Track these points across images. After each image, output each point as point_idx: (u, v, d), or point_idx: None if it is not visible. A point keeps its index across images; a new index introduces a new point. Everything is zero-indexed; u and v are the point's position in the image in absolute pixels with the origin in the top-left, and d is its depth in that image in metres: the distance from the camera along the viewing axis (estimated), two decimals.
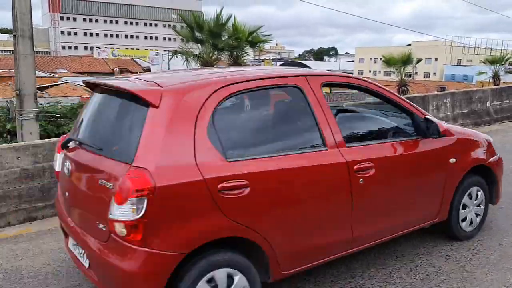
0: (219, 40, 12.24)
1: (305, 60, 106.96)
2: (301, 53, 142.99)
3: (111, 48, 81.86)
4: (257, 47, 14.14)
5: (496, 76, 24.41)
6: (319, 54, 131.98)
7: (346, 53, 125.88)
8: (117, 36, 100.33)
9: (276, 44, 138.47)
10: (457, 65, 61.04)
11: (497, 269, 3.41)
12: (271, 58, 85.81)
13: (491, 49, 58.79)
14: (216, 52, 12.62)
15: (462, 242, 3.86)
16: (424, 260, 3.56)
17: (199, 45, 12.72)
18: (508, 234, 4.08)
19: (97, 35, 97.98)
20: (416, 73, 67.66)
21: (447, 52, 63.71)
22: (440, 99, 8.73)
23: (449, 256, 3.62)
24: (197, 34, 12.23)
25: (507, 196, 4.95)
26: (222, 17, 12.00)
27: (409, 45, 73.33)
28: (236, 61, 13.11)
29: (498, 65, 24.35)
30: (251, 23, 13.03)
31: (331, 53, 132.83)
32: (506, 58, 25.40)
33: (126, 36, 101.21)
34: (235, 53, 12.99)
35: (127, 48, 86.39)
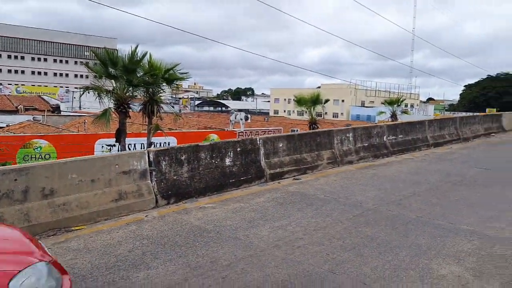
0: (134, 76, 12.14)
1: (223, 99, 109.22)
2: (219, 93, 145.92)
3: (15, 84, 76.27)
4: (174, 84, 14.25)
5: (394, 115, 27.60)
6: (237, 94, 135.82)
7: (262, 93, 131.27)
8: (22, 72, 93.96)
9: (195, 84, 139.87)
10: (361, 106, 66.77)
11: None
12: (189, 96, 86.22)
13: (389, 92, 66.27)
14: (130, 88, 12.47)
15: None
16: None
17: (112, 81, 12.49)
18: None
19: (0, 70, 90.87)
20: (326, 113, 72.46)
21: (352, 94, 69.69)
22: (344, 134, 9.52)
23: None
24: (111, 70, 12.01)
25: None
26: (137, 53, 11.98)
27: (319, 87, 78.85)
28: (152, 98, 13.05)
29: (395, 105, 27.86)
30: (169, 62, 13.07)
31: (248, 93, 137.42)
32: (401, 99, 29.17)
33: (33, 72, 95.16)
34: (150, 89, 12.95)
35: (34, 85, 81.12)
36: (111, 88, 12.51)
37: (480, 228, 5.28)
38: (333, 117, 68.98)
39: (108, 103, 12.56)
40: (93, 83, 12.56)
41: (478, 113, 23.82)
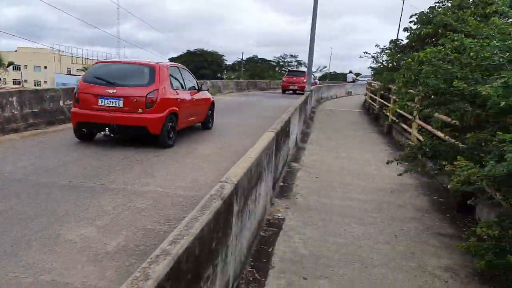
0: None
1: None
2: None
3: None
4: None
5: None
6: None
7: None
8: None
9: None
10: (68, 74, 61.78)
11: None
12: None
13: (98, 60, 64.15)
14: None
15: None
16: None
17: None
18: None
19: None
20: (25, 80, 63.46)
21: (56, 60, 63.42)
22: (5, 97, 8.05)
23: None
24: None
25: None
26: None
27: (16, 51, 67.93)
28: None
29: None
30: None
31: None
32: None
33: None
34: None
35: None
36: None
37: (129, 185, 5.35)
38: (36, 85, 61.09)
39: None
40: None
41: None
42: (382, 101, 14.42)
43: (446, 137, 5.17)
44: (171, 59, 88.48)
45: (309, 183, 6.28)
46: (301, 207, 5.17)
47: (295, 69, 41.69)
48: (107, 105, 7.42)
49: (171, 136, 7.91)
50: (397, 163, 5.66)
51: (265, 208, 4.54)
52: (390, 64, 17.85)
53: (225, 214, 2.45)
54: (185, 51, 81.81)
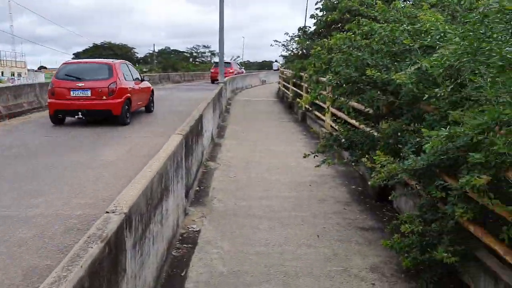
0: None
1: None
2: None
3: None
4: None
5: None
6: None
7: None
8: None
9: None
10: None
11: None
12: None
13: None
14: None
15: None
16: None
17: None
18: None
19: None
20: None
21: None
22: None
23: None
24: None
25: None
26: None
27: None
28: None
29: None
30: None
31: None
32: None
33: None
34: None
35: None
36: None
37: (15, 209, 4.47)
38: None
39: None
40: None
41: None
42: (295, 89, 14.48)
43: (361, 126, 5.07)
44: (76, 54, 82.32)
45: (226, 184, 5.86)
46: (219, 213, 4.73)
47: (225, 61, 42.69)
48: (78, 95, 9.85)
49: (127, 116, 10.43)
50: (314, 156, 5.46)
51: (177, 222, 4.02)
52: (300, 52, 18.11)
53: (111, 257, 1.91)
54: (91, 45, 76.69)
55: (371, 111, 4.86)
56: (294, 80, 14.07)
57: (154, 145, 7.32)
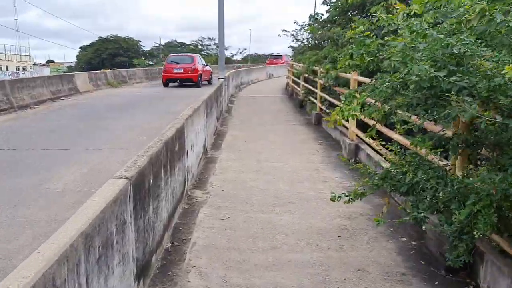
0: None
1: None
2: None
3: None
4: None
5: None
6: None
7: None
8: None
9: None
10: None
11: None
12: None
13: None
14: None
15: None
16: None
17: None
18: None
19: None
20: None
21: None
22: None
23: None
24: None
25: None
26: None
27: None
28: None
29: None
30: None
31: None
32: None
33: None
34: None
35: None
36: None
37: None
38: None
39: None
40: None
41: (42, 75, 22.33)
42: (306, 85, 12.49)
43: (431, 157, 3.12)
44: (82, 47, 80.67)
45: (214, 235, 3.96)
46: None
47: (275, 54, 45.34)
48: (176, 71, 19.08)
49: (200, 83, 19.15)
50: (349, 200, 3.55)
51: None
52: (311, 42, 16.07)
53: None
54: (97, 39, 75.15)
55: (450, 134, 2.93)
56: (306, 75, 12.08)
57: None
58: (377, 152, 5.52)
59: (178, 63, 19.21)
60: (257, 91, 21.23)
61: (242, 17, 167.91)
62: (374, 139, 4.06)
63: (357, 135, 6.91)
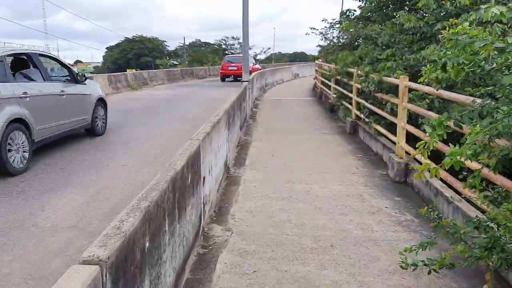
0: None
1: None
2: None
3: None
4: None
5: None
6: None
7: None
8: None
9: None
10: None
11: None
12: None
13: None
14: None
15: None
16: None
17: None
18: None
19: None
20: None
21: None
22: None
23: None
24: None
25: None
26: None
27: None
28: None
29: None
30: None
31: None
32: None
33: None
34: None
35: None
36: None
37: None
38: None
39: None
40: None
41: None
42: (340, 89, 11.34)
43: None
44: (108, 48, 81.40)
45: None
46: None
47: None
48: (231, 69, 24.67)
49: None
50: (424, 263, 2.49)
51: None
52: (344, 41, 14.87)
53: None
54: (123, 39, 75.88)
55: None
56: (339, 78, 10.95)
57: None
58: (446, 183, 4.38)
59: (232, 62, 24.79)
60: (283, 93, 20.17)
61: (266, 16, 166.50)
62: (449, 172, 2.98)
63: (406, 152, 5.80)
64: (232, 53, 65.09)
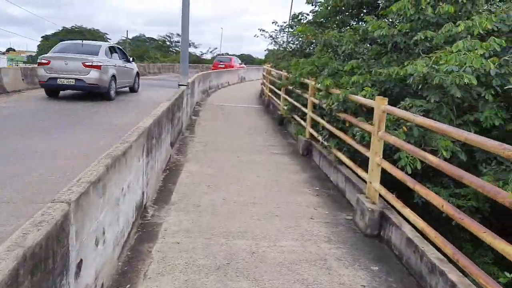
0: None
1: None
2: None
3: None
4: None
5: None
6: None
7: None
8: None
9: None
10: None
11: None
12: None
13: None
14: None
15: None
16: None
17: None
18: None
19: None
20: None
21: None
22: None
23: None
24: None
25: None
26: None
27: None
28: None
29: None
30: None
31: None
32: None
33: None
34: None
35: None
36: None
37: None
38: None
39: None
40: None
41: None
42: (291, 100, 9.93)
43: None
44: (44, 37, 74.91)
45: None
46: None
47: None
48: (220, 66, 32.40)
49: None
50: None
51: None
52: (293, 46, 13.61)
53: None
54: (61, 29, 70.42)
55: None
56: (292, 88, 9.58)
57: None
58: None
59: (221, 61, 34.18)
60: (228, 97, 18.57)
61: (218, 16, 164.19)
62: None
63: (381, 196, 4.45)
64: (177, 50, 62.47)
